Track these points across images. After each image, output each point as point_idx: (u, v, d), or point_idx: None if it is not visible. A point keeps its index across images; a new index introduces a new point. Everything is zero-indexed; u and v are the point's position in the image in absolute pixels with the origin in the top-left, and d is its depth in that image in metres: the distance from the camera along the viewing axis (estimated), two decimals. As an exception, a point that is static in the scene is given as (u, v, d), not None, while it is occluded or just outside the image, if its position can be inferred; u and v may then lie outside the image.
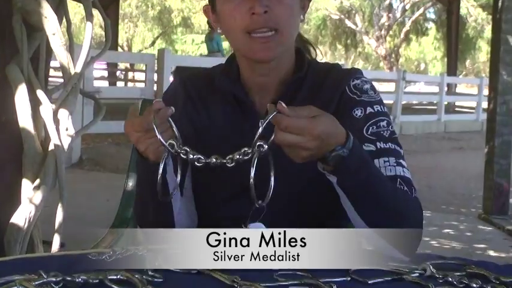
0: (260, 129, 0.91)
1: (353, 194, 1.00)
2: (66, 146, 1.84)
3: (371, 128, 1.14)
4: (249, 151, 0.92)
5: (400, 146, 1.15)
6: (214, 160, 0.94)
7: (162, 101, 0.99)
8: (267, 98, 1.20)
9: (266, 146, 0.91)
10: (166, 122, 0.97)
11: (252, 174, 0.90)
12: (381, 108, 1.17)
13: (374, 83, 1.25)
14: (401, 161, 1.12)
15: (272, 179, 0.93)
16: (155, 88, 8.34)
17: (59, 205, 1.82)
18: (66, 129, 1.85)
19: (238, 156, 0.93)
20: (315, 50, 1.33)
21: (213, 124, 1.22)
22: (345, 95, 1.19)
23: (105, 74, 17.93)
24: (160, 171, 0.96)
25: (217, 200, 1.21)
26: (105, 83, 16.21)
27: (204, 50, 25.44)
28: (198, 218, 1.26)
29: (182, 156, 0.95)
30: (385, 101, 1.22)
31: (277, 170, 0.93)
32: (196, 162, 0.94)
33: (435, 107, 13.47)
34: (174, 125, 0.96)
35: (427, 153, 9.67)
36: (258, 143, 0.91)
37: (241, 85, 1.22)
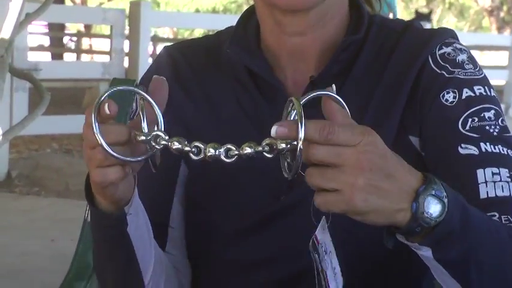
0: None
1: (451, 269, 1.00)
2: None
3: (470, 120, 1.15)
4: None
5: None
6: (212, 152, 0.94)
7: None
8: (304, 73, 1.21)
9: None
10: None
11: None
12: (486, 91, 1.18)
13: (474, 53, 1.26)
14: None
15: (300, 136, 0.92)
16: (126, 63, 8.39)
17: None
18: (-12, 129, 1.87)
19: (248, 150, 0.94)
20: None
21: (218, 119, 1.25)
22: (426, 70, 1.20)
23: (47, 41, 18.08)
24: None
25: (224, 236, 1.24)
26: (46, 56, 16.37)
27: (202, 3, 25.56)
28: (191, 265, 1.29)
29: (175, 149, 0.95)
30: (491, 81, 1.23)
31: None
32: (192, 155, 0.95)
33: None
34: (156, 107, 0.97)
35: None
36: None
37: (263, 55, 1.24)
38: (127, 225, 1.07)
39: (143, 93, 0.96)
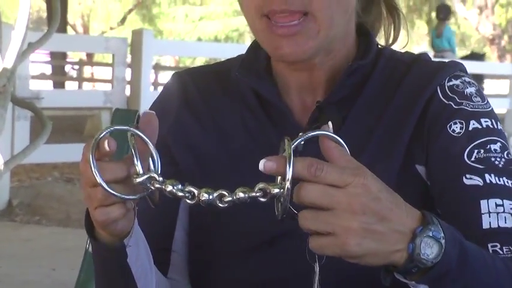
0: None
1: None
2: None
3: (476, 151, 1.16)
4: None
5: None
6: (205, 196, 0.95)
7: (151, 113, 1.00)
8: (312, 98, 1.23)
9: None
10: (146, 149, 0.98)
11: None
12: (493, 124, 1.20)
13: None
14: None
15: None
16: (128, 91, 8.40)
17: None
18: (-11, 158, 1.87)
19: (241, 195, 0.94)
20: (398, 23, 1.34)
21: (226, 144, 1.26)
22: (435, 100, 1.21)
23: (48, 69, 18.17)
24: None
25: (227, 258, 1.24)
26: (48, 84, 16.44)
27: (204, 31, 25.75)
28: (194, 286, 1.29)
29: (168, 192, 0.96)
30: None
31: None
32: (186, 200, 0.96)
33: None
34: (152, 147, 0.97)
35: None
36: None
37: (272, 80, 1.25)
38: (127, 257, 1.07)
39: (140, 134, 0.97)
